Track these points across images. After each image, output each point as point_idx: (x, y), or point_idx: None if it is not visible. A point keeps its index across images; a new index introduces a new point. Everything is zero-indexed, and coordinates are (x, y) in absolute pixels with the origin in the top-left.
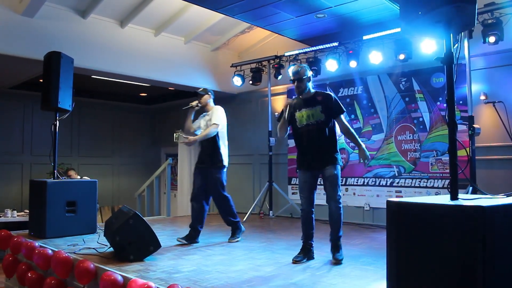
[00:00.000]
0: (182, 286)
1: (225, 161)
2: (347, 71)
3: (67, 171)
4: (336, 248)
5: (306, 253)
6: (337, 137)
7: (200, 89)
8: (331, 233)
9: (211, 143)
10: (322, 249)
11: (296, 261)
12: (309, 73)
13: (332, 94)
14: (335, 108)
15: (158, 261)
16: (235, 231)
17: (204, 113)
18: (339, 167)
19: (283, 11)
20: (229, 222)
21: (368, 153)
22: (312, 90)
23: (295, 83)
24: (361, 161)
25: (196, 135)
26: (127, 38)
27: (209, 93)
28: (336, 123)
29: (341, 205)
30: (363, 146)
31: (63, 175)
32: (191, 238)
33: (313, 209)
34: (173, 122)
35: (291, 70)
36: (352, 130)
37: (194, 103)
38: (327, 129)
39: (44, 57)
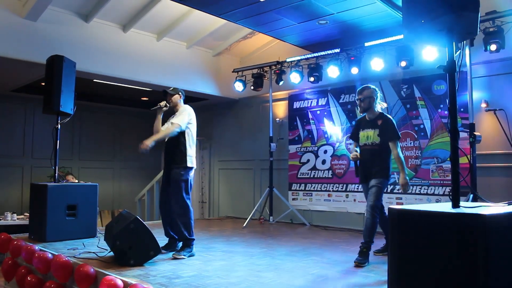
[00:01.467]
0: None
1: (189, 162)
2: (348, 77)
3: (66, 175)
4: (360, 253)
5: (362, 255)
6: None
7: (170, 88)
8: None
9: (174, 142)
10: (323, 256)
11: (358, 264)
12: (375, 94)
13: (392, 120)
14: (390, 133)
15: (159, 266)
16: (185, 247)
17: (173, 115)
18: (382, 180)
19: (285, 17)
20: (182, 236)
21: (408, 180)
22: (377, 111)
23: (358, 102)
24: (400, 187)
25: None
26: (129, 42)
27: (180, 93)
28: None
29: (374, 217)
30: (405, 173)
31: (63, 179)
32: (171, 246)
33: (377, 215)
34: None
35: (358, 89)
36: (402, 157)
37: (163, 103)
38: (380, 151)
39: (46, 60)
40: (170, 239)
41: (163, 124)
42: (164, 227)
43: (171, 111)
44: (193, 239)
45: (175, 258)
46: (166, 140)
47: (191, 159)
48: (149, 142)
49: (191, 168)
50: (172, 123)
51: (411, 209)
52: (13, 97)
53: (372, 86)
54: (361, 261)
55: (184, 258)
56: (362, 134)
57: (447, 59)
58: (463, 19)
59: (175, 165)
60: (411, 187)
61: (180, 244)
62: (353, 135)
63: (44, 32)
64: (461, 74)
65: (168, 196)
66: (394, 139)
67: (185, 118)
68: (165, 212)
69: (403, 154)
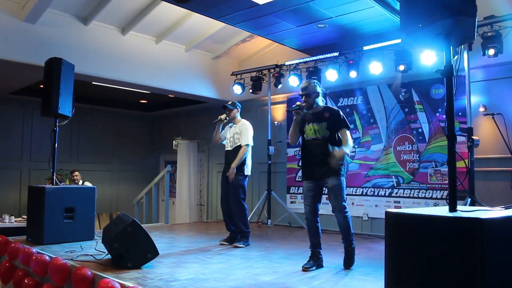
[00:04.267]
0: None
1: (247, 171)
2: (347, 81)
3: (73, 172)
4: (347, 256)
5: (315, 261)
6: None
7: (228, 102)
8: (343, 241)
9: (236, 152)
10: None
11: (306, 268)
12: (318, 89)
13: (340, 112)
14: (341, 123)
15: (156, 268)
16: (243, 238)
17: (230, 124)
18: (342, 178)
19: (284, 20)
20: (240, 230)
21: (337, 159)
22: (322, 105)
23: (303, 98)
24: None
25: (223, 144)
26: (128, 45)
27: (237, 107)
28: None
29: (347, 214)
30: (341, 152)
31: (65, 178)
32: (232, 240)
33: (318, 218)
34: (172, 130)
35: (301, 84)
36: (349, 144)
37: (223, 116)
38: (331, 144)
39: (45, 63)
40: (231, 233)
41: (221, 134)
42: (226, 222)
43: (228, 122)
44: (249, 232)
45: (235, 247)
46: (228, 148)
47: (248, 168)
48: (233, 172)
49: (248, 175)
50: (246, 144)
51: (408, 213)
52: (11, 100)
53: (314, 81)
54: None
55: (243, 247)
56: (308, 127)
57: (445, 63)
58: (460, 24)
59: (236, 172)
60: (410, 191)
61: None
62: (300, 131)
63: (43, 35)
64: (459, 78)
65: (228, 196)
66: (343, 127)
67: (251, 135)
68: (226, 209)
69: (401, 157)
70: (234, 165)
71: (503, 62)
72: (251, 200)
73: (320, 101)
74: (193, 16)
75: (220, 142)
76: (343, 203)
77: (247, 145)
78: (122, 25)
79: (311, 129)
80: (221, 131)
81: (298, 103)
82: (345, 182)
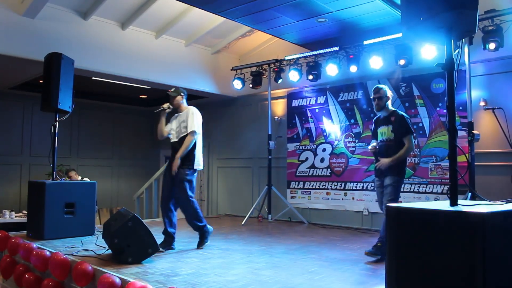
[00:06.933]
0: None
1: (196, 164)
2: (347, 75)
3: (68, 172)
4: (374, 247)
5: (374, 248)
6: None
7: (171, 90)
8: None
9: (183, 143)
10: (321, 254)
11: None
12: (389, 93)
13: (404, 116)
14: (403, 129)
15: (156, 263)
16: (202, 236)
17: (176, 114)
18: (397, 179)
19: (284, 15)
20: (195, 226)
21: (385, 163)
22: (391, 109)
23: (375, 101)
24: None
25: (169, 138)
26: (128, 40)
27: (182, 94)
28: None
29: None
30: (393, 159)
31: (63, 176)
32: (167, 244)
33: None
34: None
35: (373, 89)
36: (409, 149)
37: (166, 105)
38: (394, 147)
39: (44, 58)
40: (166, 237)
41: (166, 124)
42: (164, 224)
43: (173, 112)
44: (205, 224)
45: (200, 249)
46: (173, 140)
47: (198, 161)
48: (177, 164)
49: (196, 169)
50: (192, 131)
51: (409, 207)
52: (11, 95)
53: (384, 86)
54: (371, 251)
55: (207, 244)
56: (379, 131)
57: (446, 57)
58: (462, 17)
59: (182, 165)
60: (410, 186)
61: (175, 243)
62: (373, 134)
63: (42, 30)
64: (460, 72)
65: (170, 194)
66: (406, 134)
67: (198, 121)
68: (165, 209)
69: None
70: (178, 155)
71: (503, 56)
72: (251, 195)
73: (390, 105)
74: (193, 10)
75: (167, 135)
76: (389, 203)
77: (193, 132)
78: (122, 20)
79: (380, 132)
80: (168, 122)
81: (162, 106)
82: (400, 183)
